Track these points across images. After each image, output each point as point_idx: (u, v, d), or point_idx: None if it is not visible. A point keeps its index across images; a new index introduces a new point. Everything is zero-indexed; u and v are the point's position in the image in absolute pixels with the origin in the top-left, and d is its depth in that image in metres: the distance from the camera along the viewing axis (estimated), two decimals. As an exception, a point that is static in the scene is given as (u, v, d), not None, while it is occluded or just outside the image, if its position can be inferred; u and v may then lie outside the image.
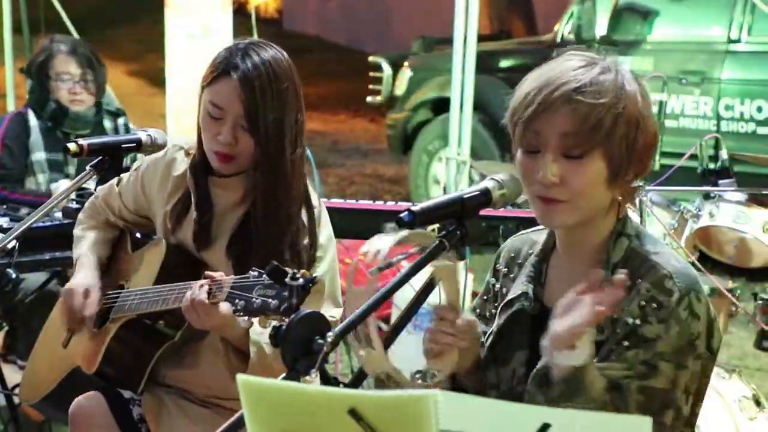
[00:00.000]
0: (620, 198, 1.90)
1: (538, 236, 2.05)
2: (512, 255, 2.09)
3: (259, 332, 2.29)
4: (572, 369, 1.74)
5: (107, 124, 4.28)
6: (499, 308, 2.04)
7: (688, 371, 1.84)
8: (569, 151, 1.83)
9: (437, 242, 1.78)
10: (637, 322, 1.83)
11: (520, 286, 2.01)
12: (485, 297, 2.13)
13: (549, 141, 1.83)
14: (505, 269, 2.09)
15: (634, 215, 3.49)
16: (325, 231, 2.53)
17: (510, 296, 2.02)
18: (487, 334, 2.06)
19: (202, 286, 2.27)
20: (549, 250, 2.01)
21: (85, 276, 2.63)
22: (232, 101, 2.42)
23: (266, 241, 2.44)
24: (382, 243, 1.76)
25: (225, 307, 2.22)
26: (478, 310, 2.15)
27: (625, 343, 1.83)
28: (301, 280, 2.03)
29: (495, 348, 2.02)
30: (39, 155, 4.13)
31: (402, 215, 1.75)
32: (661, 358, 1.82)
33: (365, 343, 1.77)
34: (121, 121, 4.34)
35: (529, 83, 1.87)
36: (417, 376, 2.01)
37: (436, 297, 1.91)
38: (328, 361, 1.71)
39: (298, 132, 2.47)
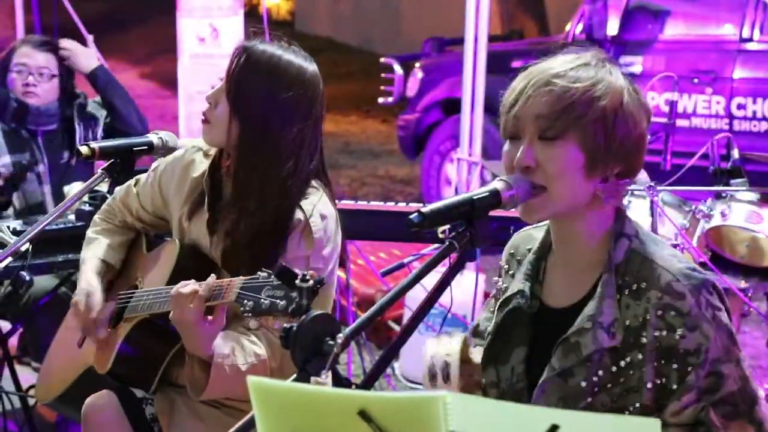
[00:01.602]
0: (602, 194, 1.87)
1: (537, 233, 2.05)
2: (511, 252, 2.10)
3: (223, 356, 2.32)
4: None
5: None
6: (497, 306, 2.05)
7: (743, 360, 1.85)
8: (543, 132, 1.84)
9: (447, 243, 1.79)
10: (664, 333, 1.81)
11: (517, 283, 2.01)
12: (495, 296, 2.13)
13: (527, 125, 1.86)
14: (506, 266, 2.10)
15: (645, 215, 3.49)
16: (331, 244, 2.49)
17: (507, 294, 2.02)
18: (486, 333, 2.06)
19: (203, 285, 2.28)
20: (547, 248, 2.01)
21: (84, 282, 2.64)
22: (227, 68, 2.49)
23: (247, 235, 2.43)
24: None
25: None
26: (486, 314, 2.16)
27: (663, 361, 1.81)
28: (310, 282, 2.04)
29: (494, 346, 2.02)
30: (4, 159, 4.02)
31: (411, 216, 1.75)
32: (719, 363, 1.81)
33: (444, 381, 1.79)
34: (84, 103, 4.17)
35: (518, 78, 1.91)
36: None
37: (447, 298, 1.91)
38: (339, 362, 1.71)
39: (297, 145, 2.45)
